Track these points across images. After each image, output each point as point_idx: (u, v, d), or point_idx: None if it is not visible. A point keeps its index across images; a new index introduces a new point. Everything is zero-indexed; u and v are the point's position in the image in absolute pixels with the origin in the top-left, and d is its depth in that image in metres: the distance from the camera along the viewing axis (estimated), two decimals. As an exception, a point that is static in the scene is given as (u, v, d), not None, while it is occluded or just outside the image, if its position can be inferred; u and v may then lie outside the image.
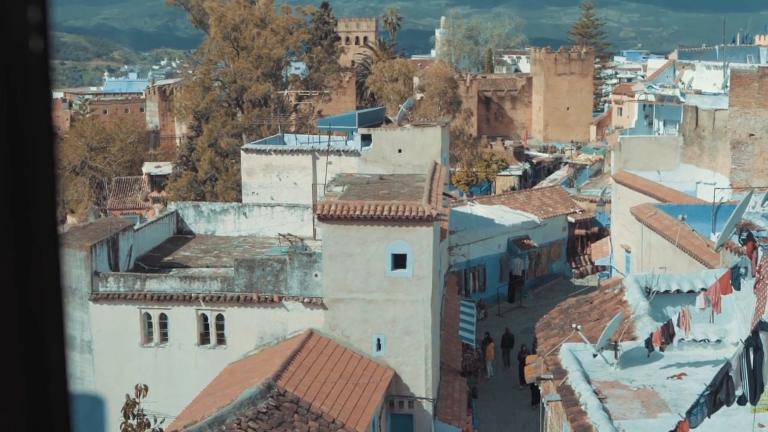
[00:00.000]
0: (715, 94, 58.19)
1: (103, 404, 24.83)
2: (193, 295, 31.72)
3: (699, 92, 61.69)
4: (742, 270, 19.34)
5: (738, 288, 19.47)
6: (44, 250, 1.29)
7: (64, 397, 1.37)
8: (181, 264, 36.39)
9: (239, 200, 48.88)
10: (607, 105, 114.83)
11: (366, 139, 44.37)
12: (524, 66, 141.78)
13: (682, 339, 19.98)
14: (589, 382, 19.10)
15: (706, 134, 49.39)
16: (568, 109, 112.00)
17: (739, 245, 21.76)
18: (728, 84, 51.16)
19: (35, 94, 1.10)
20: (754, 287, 19.14)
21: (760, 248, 19.25)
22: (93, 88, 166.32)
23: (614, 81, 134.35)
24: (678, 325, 19.03)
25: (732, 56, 70.93)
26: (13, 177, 1.11)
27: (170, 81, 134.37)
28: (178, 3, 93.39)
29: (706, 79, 67.43)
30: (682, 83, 69.97)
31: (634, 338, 21.07)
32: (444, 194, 35.81)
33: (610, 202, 57.36)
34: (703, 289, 20.65)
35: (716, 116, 48.89)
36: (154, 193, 77.37)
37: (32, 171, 1.12)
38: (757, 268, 18.88)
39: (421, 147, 43.38)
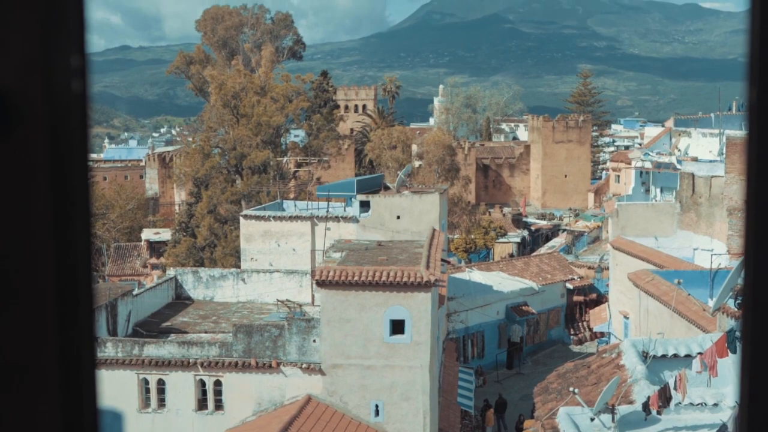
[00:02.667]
0: (711, 161, 58.56)
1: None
2: (191, 360, 31.70)
3: (695, 159, 62.09)
4: (738, 333, 19.43)
5: (734, 351, 19.55)
6: (81, 272, 1.46)
7: (94, 408, 1.54)
8: (179, 329, 36.43)
9: (238, 266, 49.00)
10: (604, 172, 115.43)
11: (364, 206, 44.63)
12: (522, 134, 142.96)
13: (679, 403, 20.01)
14: (586, 446, 19.11)
15: (703, 201, 49.70)
16: (566, 176, 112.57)
17: (735, 309, 21.89)
18: (724, 151, 51.54)
19: (77, 126, 1.29)
20: (751, 351, 19.18)
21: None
22: (93, 155, 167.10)
23: (611, 149, 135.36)
24: (675, 389, 19.09)
25: (728, 124, 71.44)
26: (54, 200, 1.29)
27: (170, 148, 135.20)
28: (179, 71, 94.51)
29: (702, 146, 67.90)
30: (679, 150, 70.47)
31: (631, 402, 21.10)
32: (442, 260, 35.91)
33: (608, 268, 57.46)
34: (699, 353, 20.73)
35: (712, 183, 49.24)
36: (153, 260, 77.43)
37: (71, 192, 1.30)
38: (753, 332, 18.95)
39: (420, 213, 43.63)
